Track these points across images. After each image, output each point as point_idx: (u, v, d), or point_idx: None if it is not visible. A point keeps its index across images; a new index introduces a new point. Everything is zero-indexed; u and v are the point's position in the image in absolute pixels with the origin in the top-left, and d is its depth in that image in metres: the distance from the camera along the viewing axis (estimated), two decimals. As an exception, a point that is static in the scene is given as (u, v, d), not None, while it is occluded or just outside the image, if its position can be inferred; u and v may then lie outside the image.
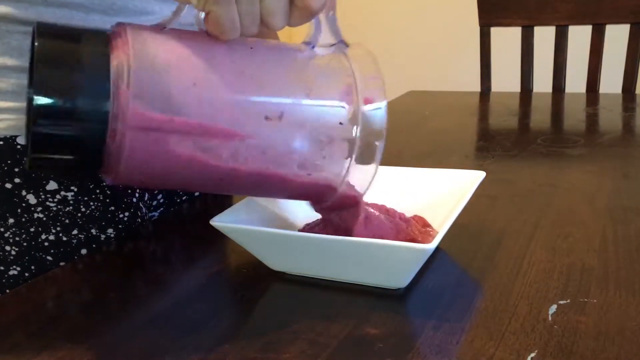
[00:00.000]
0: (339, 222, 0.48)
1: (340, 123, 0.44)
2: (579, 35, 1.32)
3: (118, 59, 0.38)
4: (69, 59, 0.37)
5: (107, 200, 0.62)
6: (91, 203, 0.61)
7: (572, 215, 0.58)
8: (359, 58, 0.46)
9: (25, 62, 0.56)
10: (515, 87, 1.35)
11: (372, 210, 0.49)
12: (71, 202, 0.59)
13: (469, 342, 0.39)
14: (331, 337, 0.40)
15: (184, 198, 0.74)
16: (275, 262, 0.49)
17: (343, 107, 0.44)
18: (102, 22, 0.58)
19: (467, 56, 1.67)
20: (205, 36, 0.42)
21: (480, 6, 1.35)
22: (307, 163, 0.44)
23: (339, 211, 0.48)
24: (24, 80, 0.57)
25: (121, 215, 0.63)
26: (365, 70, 0.45)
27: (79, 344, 0.42)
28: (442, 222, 0.48)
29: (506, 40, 1.47)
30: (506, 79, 1.45)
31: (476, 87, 1.38)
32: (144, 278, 0.52)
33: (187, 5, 0.41)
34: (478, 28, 1.36)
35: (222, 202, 0.73)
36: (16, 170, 0.57)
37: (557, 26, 1.30)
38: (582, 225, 0.56)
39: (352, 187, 0.46)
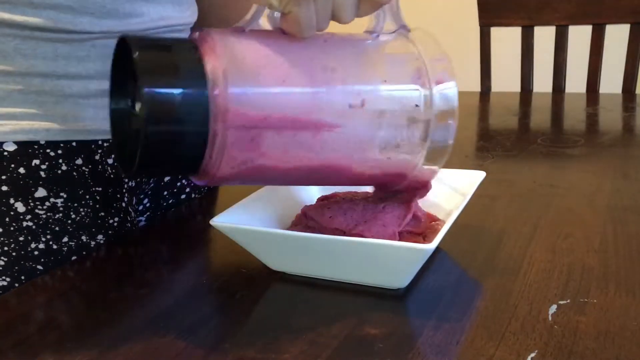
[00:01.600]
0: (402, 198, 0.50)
1: (416, 105, 0.45)
2: (579, 35, 1.32)
3: (211, 64, 0.40)
4: (168, 68, 0.39)
5: (97, 206, 0.61)
6: (81, 209, 0.59)
7: (572, 215, 0.58)
8: (422, 41, 0.48)
9: (8, 66, 0.55)
10: (515, 87, 1.35)
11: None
12: (61, 209, 0.58)
13: (469, 342, 0.39)
14: (331, 337, 0.40)
15: (170, 202, 0.74)
16: (275, 262, 0.49)
17: (417, 89, 0.45)
18: (90, 24, 0.57)
19: (467, 56, 1.67)
20: (281, 34, 0.43)
21: (480, 6, 1.35)
22: (388, 146, 0.46)
23: (403, 192, 0.50)
24: (11, 84, 0.56)
25: (111, 221, 0.62)
26: (431, 52, 0.47)
27: (80, 343, 0.42)
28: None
29: (506, 40, 1.47)
30: (506, 79, 1.45)
31: (476, 87, 1.38)
32: (144, 278, 0.52)
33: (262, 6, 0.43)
34: (478, 28, 1.36)
35: (214, 202, 0.73)
36: (3, 177, 0.56)
37: (557, 26, 1.30)
38: (582, 225, 0.56)
39: (427, 168, 0.48)
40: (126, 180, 0.65)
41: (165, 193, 0.73)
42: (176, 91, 0.39)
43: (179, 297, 0.48)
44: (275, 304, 0.46)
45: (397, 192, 0.51)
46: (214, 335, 0.42)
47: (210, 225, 0.48)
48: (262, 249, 0.49)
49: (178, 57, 0.40)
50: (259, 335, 0.41)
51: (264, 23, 0.44)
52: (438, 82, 0.46)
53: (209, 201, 0.74)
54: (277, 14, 0.43)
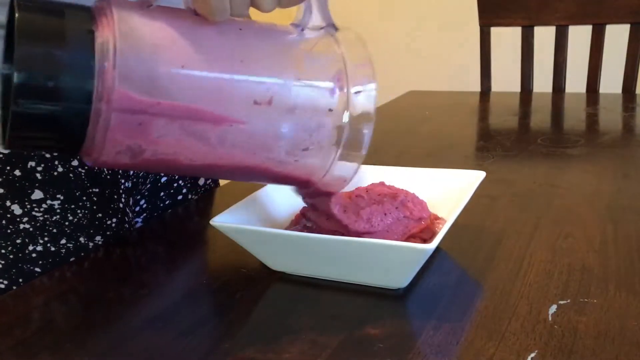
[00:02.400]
0: (314, 205, 0.48)
1: (330, 110, 0.43)
2: (579, 35, 1.32)
3: (103, 37, 0.37)
4: (52, 35, 0.36)
5: (94, 207, 0.61)
6: (78, 211, 0.59)
7: (572, 215, 0.58)
8: (348, 43, 0.45)
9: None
10: (515, 87, 1.35)
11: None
12: (58, 210, 0.58)
13: (469, 342, 0.39)
14: (331, 337, 0.40)
15: (167, 202, 0.74)
16: (275, 262, 0.49)
17: (333, 93, 0.43)
18: None
19: (467, 56, 1.67)
20: (193, 16, 0.40)
21: (480, 6, 1.35)
22: (295, 150, 0.43)
23: (318, 197, 0.48)
24: None
25: (109, 222, 0.62)
26: (355, 55, 0.45)
27: (80, 343, 0.42)
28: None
29: (506, 40, 1.47)
30: (506, 79, 1.45)
31: (476, 87, 1.38)
32: (143, 279, 0.52)
33: None
34: (478, 28, 1.36)
35: (211, 202, 0.73)
36: None
37: (557, 26, 1.30)
38: (582, 225, 0.56)
39: (336, 176, 0.46)
40: (123, 181, 0.65)
41: (162, 194, 0.73)
42: (57, 60, 0.35)
43: (179, 297, 0.48)
44: (275, 304, 0.46)
45: (314, 195, 0.48)
46: (214, 335, 0.42)
47: (209, 226, 0.48)
48: (262, 249, 0.49)
49: (68, 24, 0.36)
50: (259, 335, 0.41)
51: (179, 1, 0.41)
52: (357, 88, 0.44)
53: (206, 202, 0.74)
54: None
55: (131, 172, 0.67)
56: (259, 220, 0.52)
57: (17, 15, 0.35)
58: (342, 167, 0.45)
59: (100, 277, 0.53)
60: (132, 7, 0.39)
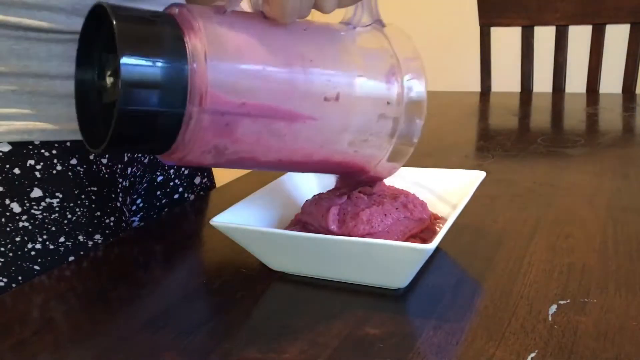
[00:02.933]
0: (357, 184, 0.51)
1: (388, 102, 0.45)
2: (579, 35, 1.32)
3: (192, 42, 0.38)
4: (150, 42, 0.37)
5: (93, 206, 0.61)
6: (77, 209, 0.59)
7: (572, 215, 0.58)
8: (396, 38, 0.48)
9: (2, 66, 0.55)
10: (515, 87, 1.35)
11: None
12: (57, 209, 0.58)
13: (469, 342, 0.39)
14: (331, 337, 0.40)
15: (163, 201, 0.74)
16: (275, 262, 0.49)
17: (390, 87, 0.45)
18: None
19: (467, 56, 1.67)
20: (262, 18, 0.42)
21: (480, 6, 1.35)
22: (356, 140, 0.45)
23: (361, 185, 0.51)
24: (5, 85, 0.56)
25: (107, 221, 0.62)
26: (405, 50, 0.47)
27: (80, 343, 0.42)
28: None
29: (506, 40, 1.47)
30: (506, 79, 1.45)
31: (476, 87, 1.38)
32: (143, 279, 0.52)
33: None
34: (478, 28, 1.36)
35: (208, 202, 0.73)
36: None
37: (557, 26, 1.30)
38: (582, 225, 0.56)
39: (388, 165, 0.49)
40: (120, 180, 0.65)
41: (159, 193, 0.73)
42: (156, 67, 0.37)
43: (178, 297, 0.48)
44: (275, 304, 0.46)
45: (358, 183, 0.51)
46: (214, 335, 0.42)
47: (209, 225, 0.48)
48: (262, 249, 0.49)
49: (161, 32, 0.38)
50: (259, 335, 0.41)
51: (244, 6, 0.43)
52: (409, 81, 0.46)
53: (205, 202, 0.74)
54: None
55: (128, 171, 0.67)
56: (259, 220, 0.52)
57: (115, 23, 0.36)
58: (395, 155, 0.48)
59: (101, 276, 0.53)
60: (209, 13, 0.41)
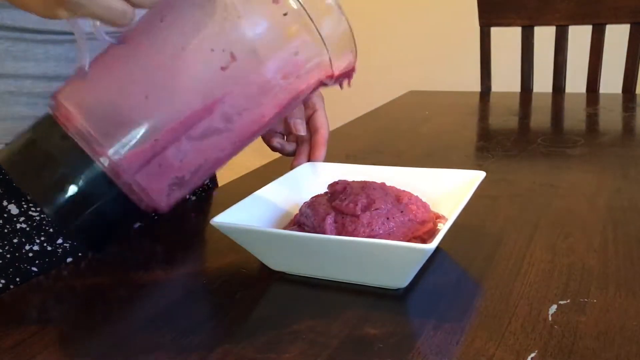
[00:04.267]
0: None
1: (285, 14, 0.41)
2: (579, 35, 1.32)
3: (76, 131, 0.38)
4: (46, 165, 0.38)
5: None
6: None
7: (572, 215, 0.58)
8: None
9: (9, 68, 0.55)
10: (515, 87, 1.35)
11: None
12: None
13: (469, 342, 0.39)
14: (331, 337, 0.40)
15: None
16: (275, 262, 0.49)
17: (278, 5, 0.41)
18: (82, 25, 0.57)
19: (467, 56, 1.67)
20: (117, 45, 0.40)
21: (480, 6, 1.35)
22: (288, 69, 0.42)
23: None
24: (3, 86, 0.56)
25: None
26: None
27: (80, 343, 0.42)
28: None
29: (506, 40, 1.47)
30: (506, 79, 1.45)
31: (476, 87, 1.38)
32: (143, 279, 0.52)
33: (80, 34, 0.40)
34: (478, 28, 1.36)
35: (209, 202, 0.73)
36: None
37: (557, 26, 1.30)
38: (582, 225, 0.56)
39: (341, 54, 0.45)
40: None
41: None
42: (67, 181, 0.38)
43: (178, 297, 0.48)
44: (275, 304, 0.46)
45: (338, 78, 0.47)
46: (214, 335, 0.42)
47: (209, 225, 0.48)
48: (262, 249, 0.49)
49: (46, 146, 0.39)
50: (259, 335, 0.41)
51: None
52: None
53: (205, 202, 0.74)
54: (93, 22, 0.39)
55: None
56: (259, 220, 0.52)
57: (15, 180, 0.38)
58: (339, 44, 0.44)
59: (101, 276, 0.53)
60: (72, 85, 0.40)
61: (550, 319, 0.41)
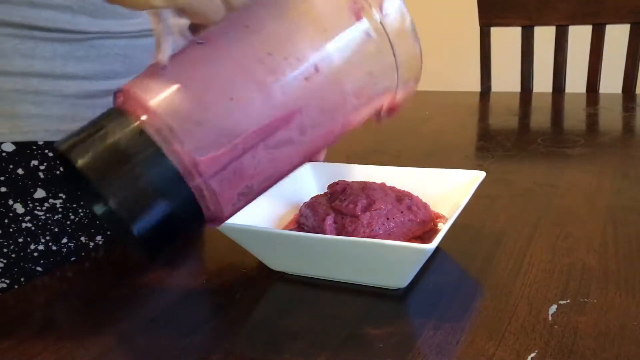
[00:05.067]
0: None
1: (368, 35, 0.42)
2: (579, 35, 1.32)
3: (153, 126, 0.36)
4: (118, 161, 0.36)
5: None
6: (80, 210, 0.59)
7: (572, 215, 0.58)
8: None
9: (7, 65, 0.55)
10: (515, 87, 1.35)
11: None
12: (60, 210, 0.58)
13: (469, 342, 0.39)
14: (331, 337, 0.40)
15: None
16: (275, 262, 0.49)
17: (360, 20, 0.42)
18: (89, 24, 0.57)
19: (467, 56, 1.67)
20: (198, 45, 0.39)
21: (480, 6, 1.35)
22: (362, 89, 0.43)
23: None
24: (9, 84, 0.55)
25: None
26: None
27: (80, 343, 0.42)
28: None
29: (506, 40, 1.47)
30: (506, 79, 1.45)
31: (476, 87, 1.38)
32: (143, 279, 0.52)
33: (163, 28, 0.38)
34: (478, 28, 1.36)
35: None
36: (2, 179, 0.55)
37: (557, 26, 1.30)
38: (582, 225, 0.56)
39: (405, 84, 0.46)
40: None
41: None
42: (140, 180, 0.36)
43: (178, 297, 0.48)
44: (275, 304, 0.46)
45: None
46: (214, 335, 0.42)
47: (209, 225, 0.48)
48: (262, 249, 0.49)
49: (119, 140, 0.36)
50: (259, 335, 0.41)
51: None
52: (383, 3, 0.42)
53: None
54: (181, 22, 0.39)
55: None
56: (259, 220, 0.52)
57: (77, 164, 0.35)
58: (406, 75, 0.45)
59: (101, 277, 0.53)
60: (149, 80, 0.38)
61: (550, 319, 0.41)
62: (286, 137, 0.40)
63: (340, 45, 0.41)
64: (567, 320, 0.40)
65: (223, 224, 0.48)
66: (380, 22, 0.42)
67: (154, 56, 0.39)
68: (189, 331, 0.42)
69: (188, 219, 0.39)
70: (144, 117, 0.37)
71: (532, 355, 0.37)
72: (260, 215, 0.53)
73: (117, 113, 0.38)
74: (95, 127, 0.38)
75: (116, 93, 0.39)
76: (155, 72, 0.38)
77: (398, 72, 0.44)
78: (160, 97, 0.37)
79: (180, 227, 0.39)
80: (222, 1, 0.38)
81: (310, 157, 0.47)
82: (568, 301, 0.43)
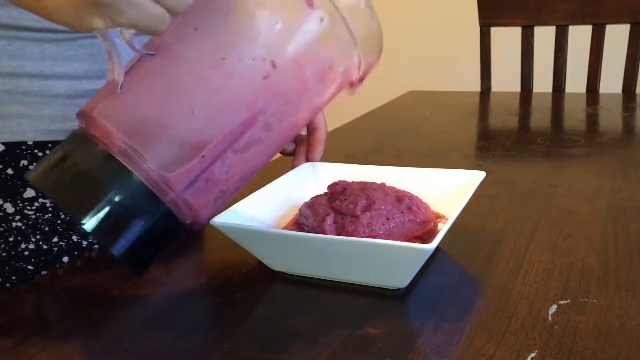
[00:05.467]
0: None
1: (321, 19, 0.41)
2: (579, 35, 1.32)
3: (118, 149, 0.37)
4: (89, 189, 0.37)
5: None
6: None
7: (572, 215, 0.58)
8: None
9: (6, 67, 0.55)
10: (515, 87, 1.35)
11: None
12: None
13: (469, 342, 0.39)
14: (331, 337, 0.40)
15: None
16: (275, 262, 0.49)
17: (313, 10, 0.41)
18: None
19: (467, 56, 1.67)
20: (149, 57, 0.39)
21: (480, 6, 1.35)
22: (324, 75, 0.43)
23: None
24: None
25: None
26: None
27: (80, 343, 0.42)
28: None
29: (506, 40, 1.47)
30: (506, 79, 1.45)
31: (476, 87, 1.38)
32: (143, 279, 0.52)
33: (108, 49, 0.38)
34: (478, 28, 1.36)
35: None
36: None
37: (557, 26, 1.30)
38: (582, 225, 0.56)
39: (369, 52, 0.45)
40: None
41: None
42: (113, 203, 0.36)
43: (178, 297, 0.48)
44: (275, 304, 0.46)
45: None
46: (214, 335, 0.42)
47: (209, 225, 0.48)
48: (262, 249, 0.49)
49: (87, 167, 0.37)
50: (259, 335, 0.41)
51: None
52: None
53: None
54: (126, 33, 0.37)
55: None
56: (259, 220, 0.52)
57: (51, 196, 0.37)
58: (367, 45, 0.44)
59: (100, 277, 0.53)
60: (108, 101, 0.38)
61: (550, 319, 0.41)
62: (253, 137, 0.40)
63: (296, 37, 0.41)
64: (567, 320, 0.40)
65: (223, 224, 0.48)
66: (334, 5, 0.41)
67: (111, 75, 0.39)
68: (189, 331, 0.42)
69: (167, 231, 0.40)
70: (106, 141, 0.37)
71: (532, 355, 0.37)
72: (260, 215, 0.53)
73: (81, 139, 0.38)
74: (63, 155, 0.38)
75: (78, 116, 0.40)
76: (113, 91, 0.38)
77: (358, 49, 0.43)
78: (120, 118, 0.38)
79: (161, 240, 0.40)
80: (166, 9, 0.36)
81: (280, 148, 0.46)
82: (568, 301, 0.43)
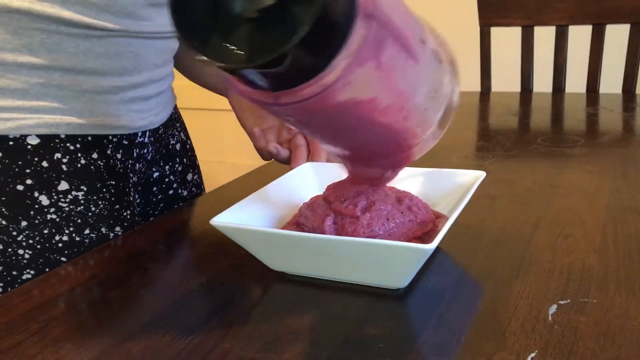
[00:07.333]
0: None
1: (440, 62, 0.44)
2: (579, 35, 1.32)
3: None
4: None
5: (112, 199, 0.63)
6: (99, 202, 0.62)
7: (572, 215, 0.58)
8: None
9: (33, 59, 0.57)
10: (515, 87, 1.35)
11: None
12: (82, 201, 0.60)
13: (469, 342, 0.39)
14: (331, 337, 0.40)
15: (159, 197, 0.77)
16: (275, 262, 0.49)
17: (433, 46, 0.43)
18: (111, 22, 0.59)
19: (467, 56, 1.67)
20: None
21: (480, 6, 1.35)
22: (431, 93, 0.44)
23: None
24: (34, 78, 0.57)
25: (125, 214, 0.64)
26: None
27: (80, 343, 0.42)
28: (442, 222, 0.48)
29: (506, 40, 1.47)
30: (506, 79, 1.45)
31: (476, 87, 1.38)
32: (143, 278, 0.52)
33: None
34: (478, 28, 1.36)
35: (209, 201, 0.73)
36: (27, 171, 0.57)
37: (557, 26, 1.30)
38: (582, 225, 0.56)
39: (435, 133, 0.47)
40: (131, 175, 0.68)
41: (155, 189, 0.75)
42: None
43: (178, 297, 0.48)
44: (275, 304, 0.46)
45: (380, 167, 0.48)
46: (214, 335, 0.42)
47: (208, 225, 0.48)
48: (262, 249, 0.49)
49: None
50: (259, 335, 0.41)
51: None
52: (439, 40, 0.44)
53: (205, 201, 0.74)
54: None
55: (137, 167, 0.69)
56: (259, 220, 0.52)
57: None
58: (442, 120, 0.46)
59: (100, 277, 0.53)
60: None
61: (550, 319, 0.41)
62: (400, 61, 0.39)
63: (434, 41, 0.43)
64: (567, 320, 0.40)
65: (223, 224, 0.48)
66: (441, 51, 0.44)
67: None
68: (189, 331, 0.42)
69: (337, 31, 0.34)
70: None
71: (532, 355, 0.37)
72: (260, 215, 0.53)
73: None
74: None
75: None
76: None
77: (443, 107, 0.46)
78: None
79: (329, 34, 0.34)
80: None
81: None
82: (568, 301, 0.43)
